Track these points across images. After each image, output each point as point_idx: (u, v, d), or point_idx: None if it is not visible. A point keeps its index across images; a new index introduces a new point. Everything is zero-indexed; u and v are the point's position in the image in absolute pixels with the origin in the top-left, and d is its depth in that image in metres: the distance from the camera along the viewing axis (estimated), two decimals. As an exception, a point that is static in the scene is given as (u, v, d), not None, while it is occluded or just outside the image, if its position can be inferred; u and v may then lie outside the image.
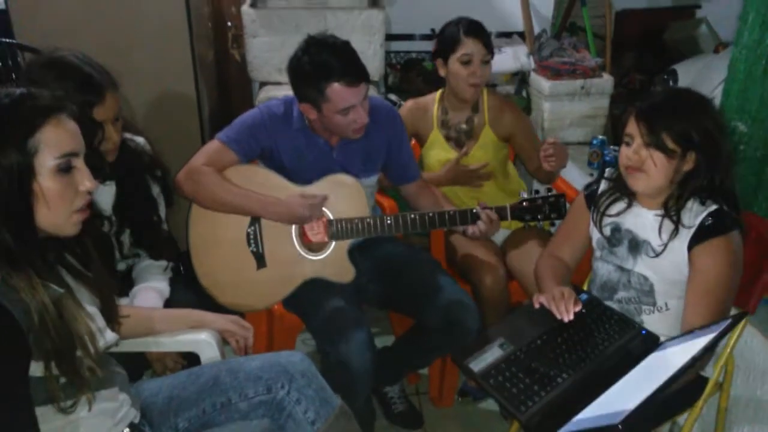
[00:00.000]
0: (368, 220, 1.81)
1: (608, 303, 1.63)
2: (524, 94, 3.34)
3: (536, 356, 1.44)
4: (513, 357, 1.45)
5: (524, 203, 1.85)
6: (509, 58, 3.29)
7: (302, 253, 1.82)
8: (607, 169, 1.68)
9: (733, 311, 1.56)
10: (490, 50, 2.09)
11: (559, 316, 1.51)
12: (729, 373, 1.66)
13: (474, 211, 1.81)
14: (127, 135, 1.73)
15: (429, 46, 3.39)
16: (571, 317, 1.50)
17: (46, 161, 1.09)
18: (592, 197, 1.68)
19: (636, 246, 1.58)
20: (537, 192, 1.87)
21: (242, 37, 2.87)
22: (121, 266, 1.76)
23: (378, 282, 1.93)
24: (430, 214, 1.82)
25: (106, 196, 1.67)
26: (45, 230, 1.13)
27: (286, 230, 1.81)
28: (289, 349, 1.93)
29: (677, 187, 1.50)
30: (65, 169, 1.12)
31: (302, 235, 1.83)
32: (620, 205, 1.61)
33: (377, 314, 2.19)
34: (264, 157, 1.87)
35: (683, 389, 1.52)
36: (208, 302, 1.76)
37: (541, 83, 3.13)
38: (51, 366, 1.09)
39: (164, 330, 1.51)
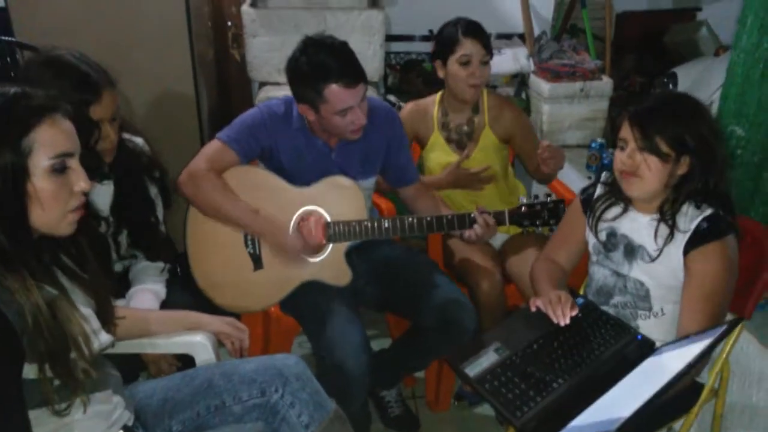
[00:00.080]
0: (366, 223, 1.81)
1: (604, 307, 1.63)
2: (523, 96, 3.34)
3: (532, 361, 1.44)
4: (508, 362, 1.45)
5: (523, 208, 1.84)
6: (509, 60, 3.28)
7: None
8: (603, 174, 1.68)
9: (729, 316, 1.57)
10: (489, 51, 2.08)
11: (555, 320, 1.51)
12: (724, 380, 1.66)
13: (471, 215, 1.81)
14: (126, 135, 1.72)
15: (429, 47, 3.38)
16: (568, 321, 1.50)
17: (40, 161, 1.09)
18: (588, 201, 1.68)
19: (632, 251, 1.58)
20: (536, 197, 1.87)
21: (242, 37, 2.87)
22: (118, 267, 1.76)
23: (375, 284, 1.93)
24: (428, 218, 1.82)
25: (104, 196, 1.67)
26: (39, 230, 1.13)
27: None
28: (286, 351, 1.93)
29: (672, 191, 1.50)
30: (60, 170, 1.11)
31: (300, 236, 1.83)
32: (616, 210, 1.61)
33: (374, 317, 2.19)
34: (264, 157, 1.87)
35: (679, 395, 1.52)
36: (204, 304, 1.76)
37: (541, 85, 3.13)
38: (45, 368, 1.09)
39: (160, 331, 1.51)
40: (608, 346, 1.50)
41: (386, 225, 1.81)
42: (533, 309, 1.55)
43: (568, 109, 3.13)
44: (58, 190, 1.12)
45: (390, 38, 3.36)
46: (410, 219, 1.81)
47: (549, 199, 1.85)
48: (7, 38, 2.20)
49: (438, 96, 2.24)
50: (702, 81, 3.20)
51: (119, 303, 1.56)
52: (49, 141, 1.09)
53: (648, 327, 1.58)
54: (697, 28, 4.18)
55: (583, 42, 3.50)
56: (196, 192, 1.76)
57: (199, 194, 1.76)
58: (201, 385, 1.38)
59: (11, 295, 1.05)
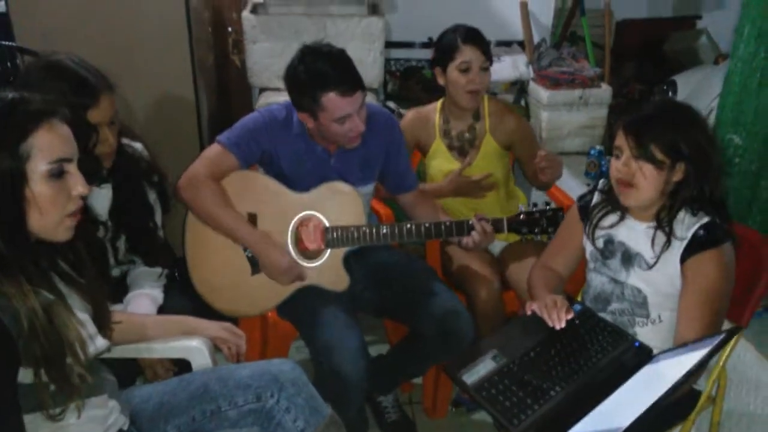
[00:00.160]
0: (364, 228, 1.81)
1: (602, 314, 1.63)
2: (523, 103, 3.35)
3: (529, 369, 1.44)
4: (506, 369, 1.44)
5: (521, 216, 1.84)
6: (508, 67, 3.30)
7: (297, 259, 1.82)
8: (600, 181, 1.69)
9: (726, 324, 1.57)
10: (488, 57, 2.08)
11: (550, 324, 1.51)
12: (722, 387, 1.65)
13: (470, 222, 1.81)
14: (125, 140, 1.73)
15: (428, 53, 3.38)
16: (563, 325, 1.50)
17: (38, 166, 1.09)
18: (585, 209, 1.68)
19: (629, 258, 1.58)
20: (535, 205, 1.87)
21: (242, 43, 2.88)
22: (116, 272, 1.76)
23: (373, 290, 1.93)
24: (426, 224, 1.82)
25: (103, 201, 1.67)
26: (37, 235, 1.13)
27: (281, 236, 1.82)
28: (283, 356, 1.92)
29: (668, 198, 1.51)
30: (57, 174, 1.11)
31: (298, 242, 1.83)
32: (613, 218, 1.61)
33: (372, 322, 2.18)
34: (263, 161, 1.87)
35: (676, 402, 1.51)
36: (202, 309, 1.75)
37: (540, 92, 3.14)
38: (40, 373, 1.09)
39: (157, 336, 1.51)
40: (606, 353, 1.49)
41: (384, 231, 1.81)
42: (528, 313, 1.55)
43: (567, 117, 3.14)
44: (56, 195, 1.12)
45: (390, 45, 3.38)
46: (408, 225, 1.82)
47: (548, 207, 1.85)
48: (7, 43, 2.21)
49: (439, 103, 2.24)
50: (701, 89, 3.21)
51: (117, 308, 1.57)
52: (46, 146, 1.10)
53: (645, 334, 1.58)
54: (696, 36, 4.20)
55: (582, 50, 3.52)
56: (194, 198, 1.76)
57: (198, 201, 1.76)
58: (197, 390, 1.38)
59: (8, 300, 1.05)
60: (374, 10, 2.93)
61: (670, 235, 1.49)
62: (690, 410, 1.56)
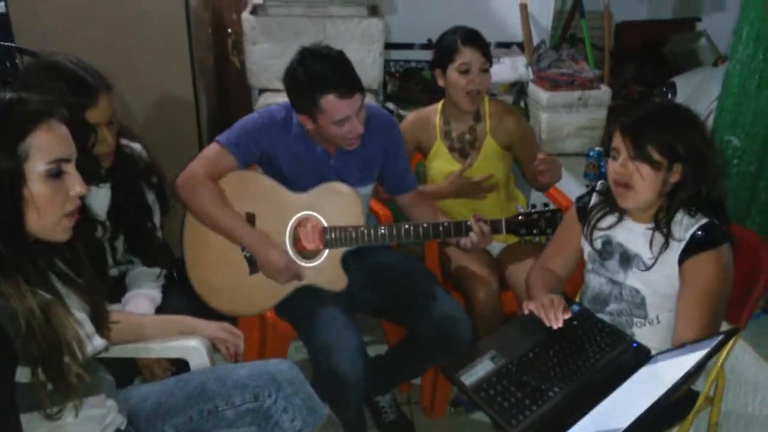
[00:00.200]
0: (362, 229, 1.81)
1: (600, 315, 1.63)
2: (522, 104, 3.35)
3: (527, 369, 1.44)
4: (504, 370, 1.44)
5: (520, 217, 1.84)
6: (507, 69, 3.30)
7: (295, 259, 1.82)
8: (598, 182, 1.69)
9: (724, 325, 1.57)
10: (488, 58, 2.08)
11: (547, 323, 1.51)
12: (720, 388, 1.65)
13: (468, 223, 1.81)
14: (124, 141, 1.73)
15: (428, 55, 3.38)
16: (560, 324, 1.50)
17: (36, 166, 1.09)
18: (583, 210, 1.68)
19: (627, 260, 1.58)
20: (533, 206, 1.87)
21: (242, 44, 2.88)
22: (114, 272, 1.77)
23: (371, 290, 1.93)
24: (424, 225, 1.82)
25: (101, 201, 1.68)
26: (35, 235, 1.13)
27: (280, 236, 1.82)
28: (282, 356, 1.93)
29: (666, 199, 1.51)
30: (55, 175, 1.12)
31: (296, 242, 1.83)
32: (611, 219, 1.61)
33: (371, 322, 2.18)
34: (262, 162, 1.88)
35: (674, 403, 1.51)
36: (201, 309, 1.75)
37: (539, 94, 3.14)
38: (38, 372, 1.09)
39: (155, 336, 1.51)
40: (604, 353, 1.49)
41: (382, 231, 1.81)
42: (525, 312, 1.55)
43: (567, 118, 3.14)
44: (54, 195, 1.12)
45: (389, 46, 3.38)
46: (406, 226, 1.82)
47: (546, 208, 1.85)
48: (6, 43, 2.22)
49: (440, 105, 2.24)
50: (701, 91, 3.21)
51: (115, 308, 1.57)
52: (45, 146, 1.10)
53: (643, 335, 1.58)
54: (696, 38, 4.20)
55: (582, 51, 3.52)
56: (192, 197, 1.77)
57: (195, 200, 1.76)
58: (194, 390, 1.38)
59: (5, 300, 1.05)
60: (374, 11, 2.93)
61: (668, 237, 1.50)
62: (688, 411, 1.56)
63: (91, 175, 1.44)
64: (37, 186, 1.10)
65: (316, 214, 1.83)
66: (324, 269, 1.83)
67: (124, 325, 1.45)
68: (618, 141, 1.49)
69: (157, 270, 1.78)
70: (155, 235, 1.78)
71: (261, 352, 2.03)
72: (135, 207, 1.73)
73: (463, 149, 2.20)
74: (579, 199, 1.72)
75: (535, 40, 3.49)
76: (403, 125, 2.24)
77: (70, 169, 1.15)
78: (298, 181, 1.84)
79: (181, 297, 1.79)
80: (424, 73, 3.39)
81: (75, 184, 1.15)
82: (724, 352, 1.59)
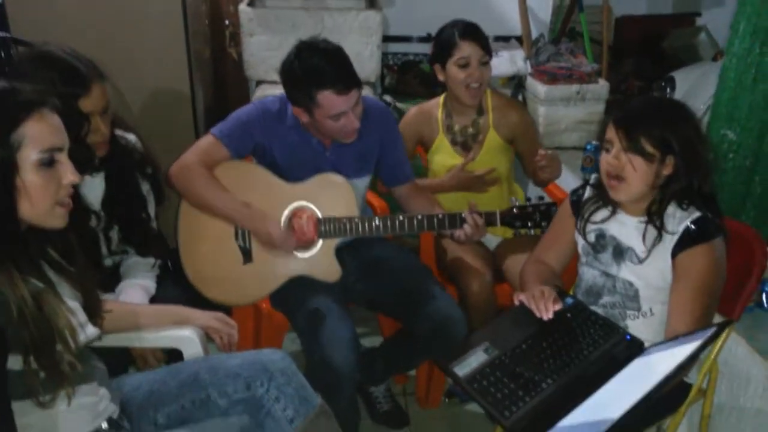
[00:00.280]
0: (356, 220, 1.81)
1: (593, 307, 1.63)
2: (520, 98, 3.34)
3: (521, 361, 1.44)
4: (498, 362, 1.45)
5: (515, 210, 1.84)
6: (506, 62, 3.29)
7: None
8: (592, 176, 1.69)
9: (717, 318, 1.57)
10: (487, 51, 2.07)
11: (538, 314, 1.51)
12: (713, 380, 1.66)
13: (462, 215, 1.81)
14: (118, 132, 1.73)
15: (426, 48, 3.39)
16: (551, 315, 1.51)
17: (29, 156, 1.09)
18: (577, 203, 1.68)
19: (620, 253, 1.58)
20: (528, 200, 1.87)
21: (239, 36, 2.87)
22: (109, 262, 1.77)
23: (366, 282, 1.93)
24: (419, 217, 1.82)
25: (95, 191, 1.68)
26: (28, 222, 1.14)
27: (274, 227, 1.82)
28: (277, 347, 1.93)
29: (658, 192, 1.51)
30: (48, 164, 1.12)
31: (291, 233, 1.83)
32: (604, 212, 1.62)
33: (365, 314, 2.19)
34: (257, 153, 1.88)
35: (667, 395, 1.51)
36: (195, 299, 1.76)
37: (537, 87, 3.13)
38: (30, 360, 1.09)
39: (148, 325, 1.52)
40: (597, 346, 1.49)
41: (377, 223, 1.81)
42: (516, 303, 1.56)
43: (564, 112, 3.14)
44: (46, 184, 1.12)
45: (387, 39, 3.37)
46: (401, 217, 1.82)
47: (541, 201, 1.85)
48: (1, 33, 2.21)
49: (441, 98, 2.22)
50: (700, 85, 3.21)
51: (109, 297, 1.57)
52: (37, 135, 1.10)
53: (637, 327, 1.58)
54: (696, 33, 4.19)
55: (580, 45, 3.51)
56: (185, 184, 1.77)
57: (189, 186, 1.77)
58: (187, 379, 1.38)
59: None
60: (372, 3, 2.93)
61: (661, 230, 1.50)
62: (681, 403, 1.56)
63: (84, 164, 1.44)
64: (29, 175, 1.10)
65: (311, 205, 1.83)
66: (318, 260, 1.83)
67: (118, 314, 1.46)
68: (611, 133, 1.49)
69: (151, 260, 1.78)
70: (150, 226, 1.79)
71: (256, 343, 2.04)
72: (129, 197, 1.73)
73: (466, 143, 2.19)
74: (573, 192, 1.72)
75: (534, 34, 3.48)
76: (405, 119, 2.24)
77: (63, 158, 1.15)
78: (292, 173, 1.84)
79: (176, 287, 1.79)
80: (422, 66, 3.38)
81: (67, 173, 1.15)
82: (718, 344, 1.59)
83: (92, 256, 1.65)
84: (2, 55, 2.03)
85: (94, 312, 1.29)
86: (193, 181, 1.76)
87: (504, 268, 2.09)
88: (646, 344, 1.49)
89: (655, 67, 4.04)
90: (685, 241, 1.47)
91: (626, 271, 1.58)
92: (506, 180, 2.24)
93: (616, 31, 4.12)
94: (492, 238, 2.23)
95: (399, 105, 3.12)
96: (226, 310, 1.70)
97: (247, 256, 1.82)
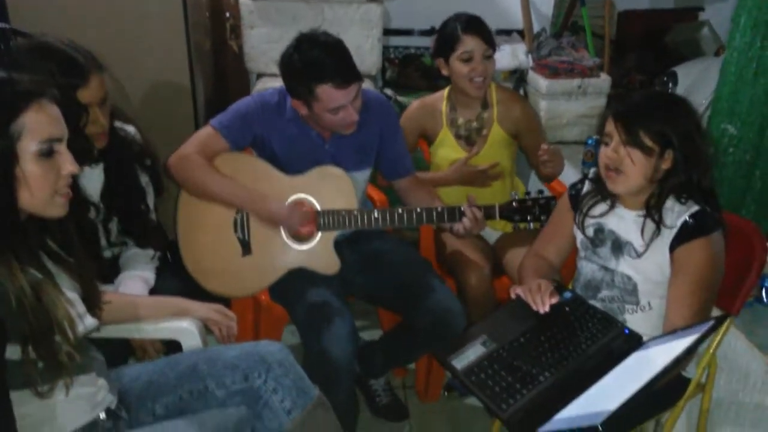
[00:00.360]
0: (356, 212, 1.81)
1: (592, 301, 1.63)
2: (522, 92, 3.34)
3: (519, 354, 1.44)
4: (495, 355, 1.45)
5: (514, 204, 1.84)
6: (507, 56, 3.28)
7: (288, 242, 1.82)
8: (591, 170, 1.68)
9: (716, 312, 1.57)
10: (491, 45, 2.05)
11: (534, 308, 1.51)
12: (711, 375, 1.66)
13: (461, 208, 1.81)
14: (117, 123, 1.73)
15: (428, 41, 3.38)
16: (547, 309, 1.51)
17: (28, 146, 1.10)
18: (576, 198, 1.68)
19: (619, 247, 1.58)
20: (528, 194, 1.87)
21: (240, 28, 2.87)
22: (108, 254, 1.77)
23: (365, 276, 1.93)
24: (418, 210, 1.82)
25: (94, 182, 1.68)
26: (27, 211, 1.14)
27: (273, 218, 1.82)
28: (276, 340, 1.93)
29: (657, 186, 1.51)
30: (47, 154, 1.12)
31: (295, 207, 1.82)
32: (603, 207, 1.61)
33: (365, 307, 2.19)
34: (256, 145, 1.88)
35: (665, 388, 1.52)
36: (194, 290, 1.76)
37: (539, 81, 3.13)
38: (28, 350, 1.10)
39: (148, 317, 1.52)
40: (595, 339, 1.49)
41: (376, 215, 1.81)
42: (513, 296, 1.56)
43: (566, 106, 3.13)
44: (46, 174, 1.13)
45: (389, 32, 3.36)
46: (399, 210, 1.82)
47: (540, 195, 1.84)
48: (1, 25, 2.21)
49: (446, 92, 2.21)
50: (702, 80, 3.20)
51: (108, 289, 1.57)
52: (37, 126, 1.10)
53: (635, 321, 1.58)
54: (698, 28, 4.17)
55: (582, 39, 3.50)
56: (184, 173, 1.77)
57: (188, 175, 1.77)
58: (185, 370, 1.39)
59: None
60: (373, -4, 2.92)
61: (659, 224, 1.50)
62: (679, 396, 1.56)
63: (82, 155, 1.44)
64: (29, 165, 1.10)
65: (309, 197, 1.83)
66: (317, 252, 1.83)
67: (117, 305, 1.46)
68: (610, 126, 1.49)
69: (150, 251, 1.78)
70: (149, 217, 1.79)
71: (255, 336, 2.04)
72: (128, 189, 1.73)
73: (470, 137, 2.18)
74: (572, 186, 1.72)
75: (536, 28, 3.47)
76: (408, 112, 2.23)
77: (62, 148, 1.16)
78: (291, 165, 1.84)
79: (175, 279, 1.79)
80: (424, 59, 3.37)
81: (66, 164, 1.16)
82: (717, 339, 1.59)
83: (91, 248, 1.65)
84: (2, 46, 2.03)
85: (92, 303, 1.29)
86: (192, 170, 1.77)
87: (504, 263, 2.09)
88: (645, 338, 1.49)
89: (657, 61, 4.03)
90: (684, 235, 1.47)
91: (625, 265, 1.58)
92: (509, 174, 2.24)
93: (618, 26, 4.10)
94: (492, 233, 2.23)
95: (400, 98, 3.11)
96: (226, 302, 1.70)
97: (246, 248, 1.82)
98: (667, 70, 3.59)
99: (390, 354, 2.07)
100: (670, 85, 3.50)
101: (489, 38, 2.05)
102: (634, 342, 1.49)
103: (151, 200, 1.80)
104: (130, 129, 1.78)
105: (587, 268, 1.66)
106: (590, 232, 1.63)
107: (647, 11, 4.36)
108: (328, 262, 1.83)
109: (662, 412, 1.63)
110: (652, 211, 1.51)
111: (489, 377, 1.40)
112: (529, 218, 1.85)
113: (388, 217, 1.82)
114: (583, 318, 1.55)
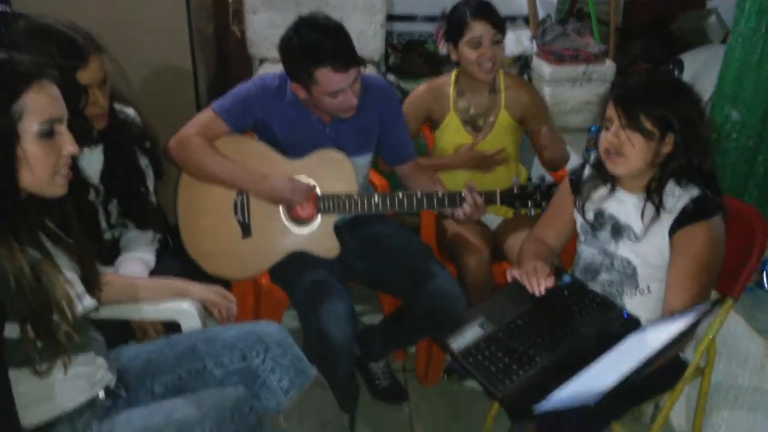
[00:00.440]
0: (356, 197, 1.82)
1: (591, 285, 1.63)
2: (526, 78, 3.32)
3: (516, 336, 1.45)
4: (493, 336, 1.46)
5: (515, 189, 1.83)
6: (512, 42, 3.25)
7: (288, 225, 1.83)
8: (592, 155, 1.68)
9: (715, 296, 1.57)
10: (500, 30, 2.03)
11: (530, 290, 1.51)
12: (711, 359, 1.66)
13: (461, 194, 1.80)
14: (117, 105, 1.73)
15: (431, 27, 3.37)
16: (543, 290, 1.51)
17: (30, 126, 1.10)
18: (576, 182, 1.67)
19: (618, 230, 1.58)
20: (529, 179, 1.86)
21: (242, 13, 2.86)
22: (108, 236, 1.78)
23: (365, 260, 1.94)
24: (418, 195, 1.82)
25: (94, 164, 1.68)
26: (28, 190, 1.14)
27: (274, 203, 1.82)
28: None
29: (658, 170, 1.50)
30: (48, 134, 1.13)
31: (290, 209, 1.84)
32: (603, 191, 1.61)
33: (366, 292, 2.19)
34: (257, 129, 1.88)
35: (664, 371, 1.53)
36: (194, 273, 1.77)
37: (543, 68, 3.11)
38: (27, 328, 1.11)
39: (147, 298, 1.53)
40: (593, 323, 1.49)
41: (376, 200, 1.81)
42: (509, 279, 1.56)
43: (570, 92, 3.11)
44: (46, 154, 1.13)
45: (392, 18, 3.34)
46: (400, 195, 1.82)
47: (542, 181, 1.84)
48: (2, 8, 2.21)
49: (453, 76, 2.19)
50: (708, 67, 3.17)
51: (108, 270, 1.58)
52: (37, 107, 1.11)
53: (634, 305, 1.57)
54: (706, 15, 4.13)
55: (588, 26, 3.47)
56: (184, 155, 1.78)
57: (188, 156, 1.78)
58: (184, 350, 1.40)
59: None
60: (376, -19, 2.89)
61: (659, 207, 1.49)
62: (678, 380, 1.57)
63: (82, 136, 1.44)
64: (30, 145, 1.11)
65: (310, 181, 1.83)
66: (317, 236, 1.84)
67: (117, 286, 1.47)
68: (611, 111, 1.48)
69: (150, 234, 1.79)
70: (148, 199, 1.79)
71: (256, 319, 2.04)
72: (127, 171, 1.74)
73: (476, 122, 2.18)
74: (573, 171, 1.72)
75: (541, 14, 3.44)
76: (415, 95, 2.22)
77: (63, 129, 1.16)
78: (292, 149, 1.84)
79: (175, 261, 1.80)
80: (427, 45, 3.35)
81: (67, 144, 1.17)
82: (716, 322, 1.59)
83: (92, 230, 1.66)
84: (3, 29, 2.03)
85: (92, 284, 1.30)
86: (192, 151, 1.77)
87: (505, 248, 2.09)
88: (643, 322, 1.49)
89: (663, 49, 3.99)
90: (683, 219, 1.47)
91: (624, 249, 1.57)
92: (515, 160, 2.24)
93: (624, 13, 4.07)
94: (493, 218, 2.23)
95: (403, 85, 3.11)
96: (226, 284, 1.71)
97: (246, 230, 1.82)
98: (674, 58, 3.56)
99: (390, 337, 2.07)
100: (677, 72, 3.47)
101: (498, 23, 2.04)
102: (632, 325, 1.49)
103: (150, 183, 1.80)
104: (130, 111, 1.79)
105: (587, 252, 1.66)
106: (590, 216, 1.63)
107: (654, -1, 4.33)
108: (327, 246, 1.83)
109: (661, 395, 1.63)
110: (653, 194, 1.50)
111: (486, 358, 1.40)
112: (530, 204, 1.84)
113: (388, 202, 1.82)
114: (582, 302, 1.55)
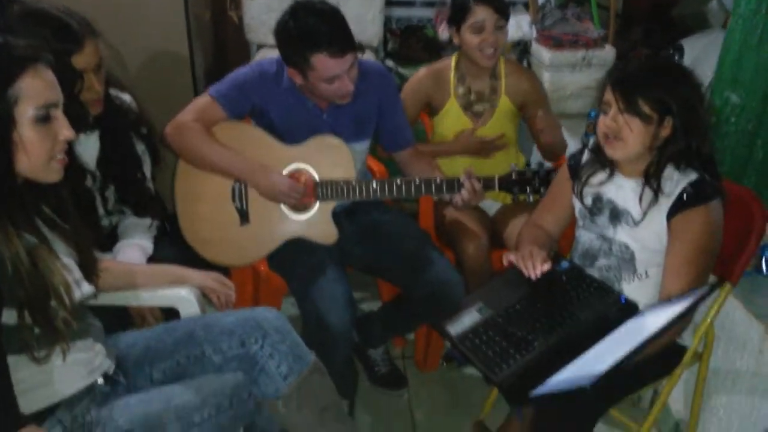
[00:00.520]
0: (354, 183, 1.81)
1: (589, 270, 1.63)
2: (525, 63, 3.30)
3: (513, 321, 1.45)
4: (491, 321, 1.46)
5: (513, 175, 1.83)
6: (511, 27, 3.19)
7: (286, 212, 1.82)
8: (590, 140, 1.67)
9: (713, 280, 1.57)
10: (503, 14, 2.02)
11: (526, 274, 1.51)
12: (709, 343, 1.66)
13: (460, 180, 1.80)
14: (113, 91, 1.73)
15: (430, 12, 3.34)
16: (538, 274, 1.50)
17: (26, 111, 1.10)
18: (575, 168, 1.67)
19: (616, 215, 1.57)
20: (528, 165, 1.86)
21: (240, -1, 2.84)
22: (105, 222, 1.77)
23: (364, 247, 1.93)
24: (416, 181, 1.81)
25: (90, 150, 1.68)
26: (24, 175, 1.14)
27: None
28: (275, 309, 1.94)
29: (656, 154, 1.49)
30: (44, 119, 1.12)
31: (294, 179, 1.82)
32: (602, 176, 1.60)
33: (365, 279, 2.20)
34: (255, 115, 1.87)
35: (662, 356, 1.53)
36: (193, 259, 1.77)
37: (542, 53, 3.09)
38: (24, 315, 1.11)
39: (145, 284, 1.53)
40: (591, 308, 1.50)
41: (374, 186, 1.81)
42: (505, 264, 1.56)
43: (570, 78, 3.10)
44: (43, 139, 1.13)
45: (391, 3, 3.31)
46: (398, 181, 1.81)
47: (541, 167, 1.83)
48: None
49: (453, 60, 2.18)
50: (708, 53, 3.15)
51: (106, 257, 1.58)
52: (33, 91, 1.10)
53: (632, 290, 1.57)
54: (706, 1, 4.10)
55: (587, 11, 3.45)
56: (181, 142, 1.77)
57: (185, 143, 1.77)
58: (182, 336, 1.40)
59: None
60: (374, -34, 2.87)
61: (657, 191, 1.48)
62: (677, 365, 1.57)
63: (78, 121, 1.43)
64: (26, 130, 1.11)
65: (308, 167, 1.82)
66: (315, 222, 1.83)
67: (115, 273, 1.47)
68: (609, 95, 1.47)
69: (148, 220, 1.78)
70: (145, 186, 1.79)
71: (255, 306, 2.04)
72: (124, 157, 1.73)
73: (477, 108, 2.17)
74: (571, 156, 1.71)
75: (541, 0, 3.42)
76: (414, 80, 2.20)
77: (59, 114, 1.16)
78: (289, 135, 1.83)
79: (173, 248, 1.80)
80: (426, 30, 3.33)
81: (63, 129, 1.16)
82: (714, 307, 1.59)
83: (89, 216, 1.65)
84: (-2, 14, 2.02)
85: (89, 270, 1.30)
86: (189, 138, 1.76)
87: (504, 236, 2.09)
88: (641, 307, 1.49)
89: (664, 34, 3.97)
90: (681, 203, 1.46)
91: (622, 234, 1.57)
92: (514, 146, 2.23)
93: (624, -1, 4.05)
94: (492, 204, 2.22)
95: (401, 70, 3.09)
96: (225, 272, 1.71)
97: (244, 217, 1.82)
98: (674, 43, 3.54)
99: (389, 324, 2.08)
100: (677, 58, 3.46)
101: (501, 7, 2.02)
102: (630, 310, 1.49)
103: (147, 169, 1.80)
104: (126, 97, 1.78)
105: (585, 237, 1.66)
106: (588, 201, 1.62)
107: (654, -16, 4.29)
108: (326, 232, 1.83)
109: (659, 380, 1.63)
110: (651, 179, 1.50)
111: (483, 343, 1.41)
112: (528, 190, 1.84)
113: (386, 188, 1.81)
114: (580, 287, 1.55)
